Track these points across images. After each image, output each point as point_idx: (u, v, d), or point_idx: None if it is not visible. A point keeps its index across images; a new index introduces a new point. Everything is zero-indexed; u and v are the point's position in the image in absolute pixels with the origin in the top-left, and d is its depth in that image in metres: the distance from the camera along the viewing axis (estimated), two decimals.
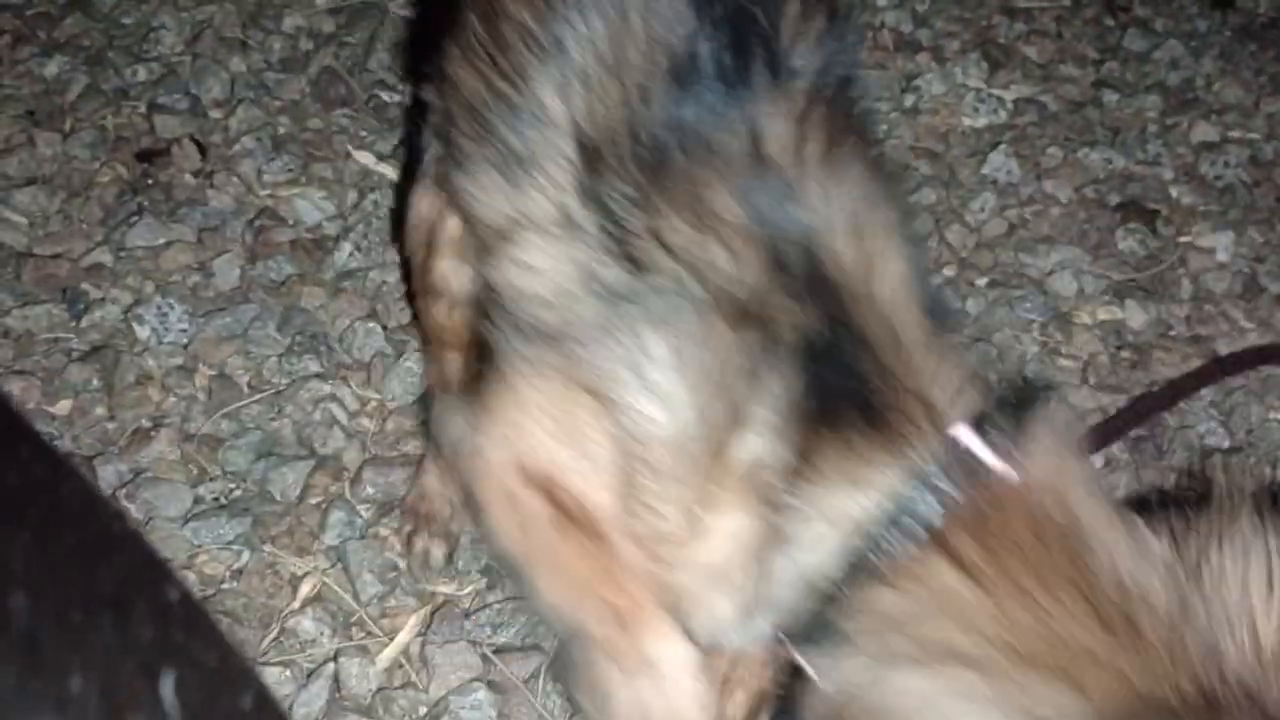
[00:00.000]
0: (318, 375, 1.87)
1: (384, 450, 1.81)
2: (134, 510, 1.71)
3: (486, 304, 1.28)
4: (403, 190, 1.85)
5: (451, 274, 1.49)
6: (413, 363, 1.86)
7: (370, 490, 1.75)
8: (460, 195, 1.30)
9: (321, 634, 1.59)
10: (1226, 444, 1.88)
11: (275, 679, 1.55)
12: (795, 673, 1.15)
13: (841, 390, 1.03)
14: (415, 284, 1.58)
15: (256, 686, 0.73)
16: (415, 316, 1.77)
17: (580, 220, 1.15)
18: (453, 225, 1.45)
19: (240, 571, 1.66)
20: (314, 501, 1.73)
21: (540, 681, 1.56)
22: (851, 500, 1.01)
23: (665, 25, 1.14)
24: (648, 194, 1.10)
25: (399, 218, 1.82)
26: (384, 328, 1.93)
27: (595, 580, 1.14)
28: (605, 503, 1.13)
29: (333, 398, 1.84)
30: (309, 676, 1.56)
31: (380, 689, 1.55)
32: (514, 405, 1.17)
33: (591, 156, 1.15)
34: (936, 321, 1.11)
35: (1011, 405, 1.07)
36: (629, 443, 1.09)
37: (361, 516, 1.72)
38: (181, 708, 0.53)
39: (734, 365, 1.05)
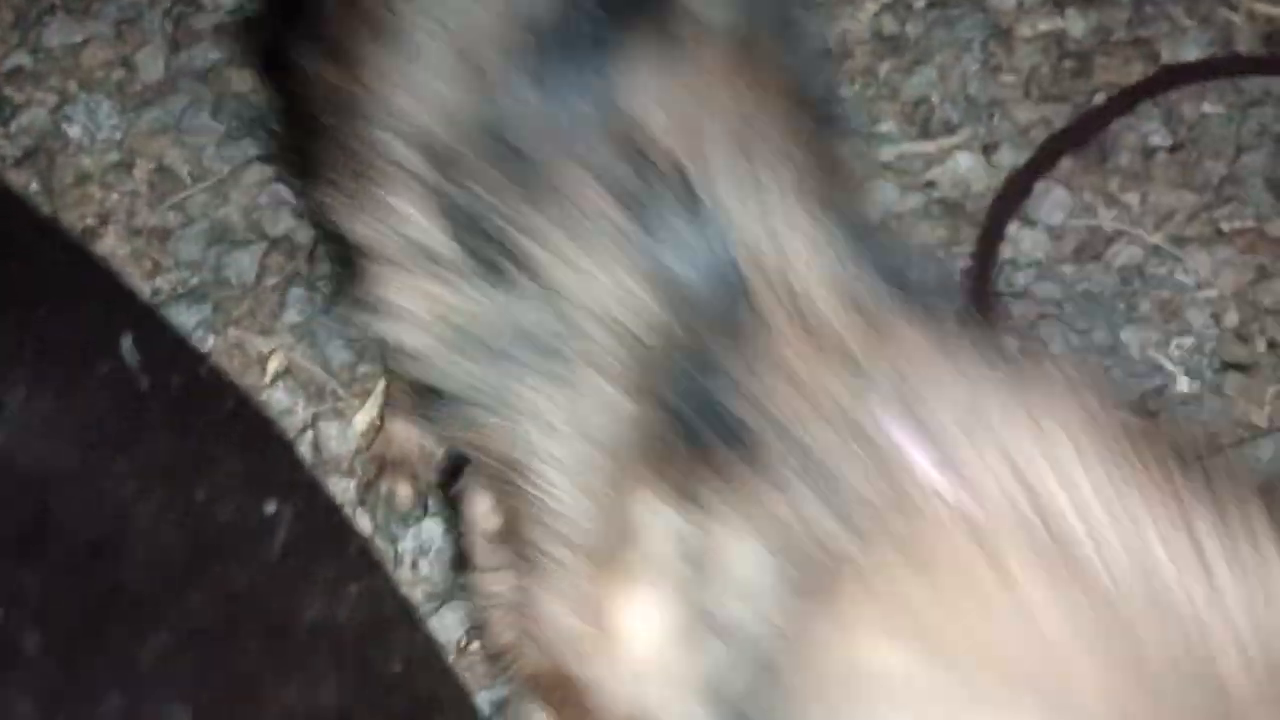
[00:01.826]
0: (259, 159, 1.85)
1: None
2: None
3: None
4: None
5: None
6: None
7: (328, 267, 1.76)
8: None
9: (296, 404, 1.62)
10: (1169, 143, 1.90)
11: None
12: None
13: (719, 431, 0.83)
14: None
15: (212, 367, 0.75)
16: None
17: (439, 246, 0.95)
18: None
19: (207, 355, 1.68)
20: (271, 282, 1.74)
21: None
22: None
23: None
24: (514, 206, 0.90)
25: None
26: None
27: None
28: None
29: (277, 179, 1.82)
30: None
31: (359, 450, 1.59)
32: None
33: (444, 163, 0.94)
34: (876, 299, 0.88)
35: None
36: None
37: (321, 292, 1.73)
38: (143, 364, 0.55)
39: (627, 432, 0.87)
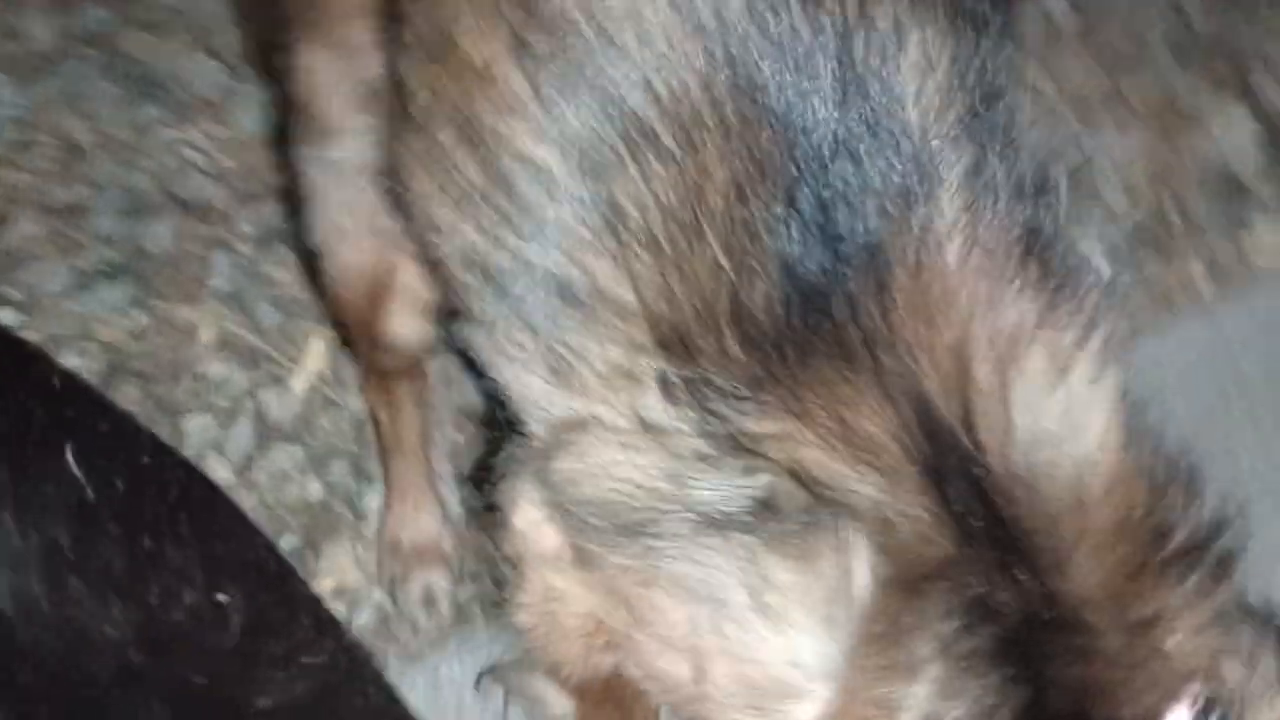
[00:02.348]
0: (161, 121, 1.81)
1: (251, 186, 1.78)
2: (16, 294, 1.69)
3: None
4: None
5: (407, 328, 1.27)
6: (255, 87, 1.81)
7: (247, 228, 1.74)
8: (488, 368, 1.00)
9: (233, 374, 1.63)
10: (1073, 18, 1.91)
11: (200, 427, 1.59)
12: None
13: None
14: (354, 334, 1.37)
15: (152, 441, 0.76)
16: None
17: (665, 424, 0.85)
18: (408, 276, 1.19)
19: (139, 332, 1.67)
20: (192, 249, 1.73)
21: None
22: None
23: (758, 159, 0.81)
24: (762, 392, 0.82)
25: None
26: (219, 59, 1.86)
27: None
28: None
29: (184, 142, 1.79)
30: (230, 417, 1.60)
31: (303, 414, 1.61)
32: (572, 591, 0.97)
33: (674, 343, 0.84)
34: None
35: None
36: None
37: (244, 255, 1.72)
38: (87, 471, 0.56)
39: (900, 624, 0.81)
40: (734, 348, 0.82)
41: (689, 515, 0.85)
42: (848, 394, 0.80)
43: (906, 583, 0.79)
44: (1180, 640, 0.78)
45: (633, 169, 0.83)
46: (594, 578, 0.95)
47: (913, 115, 0.81)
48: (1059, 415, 0.82)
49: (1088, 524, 0.78)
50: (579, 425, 0.90)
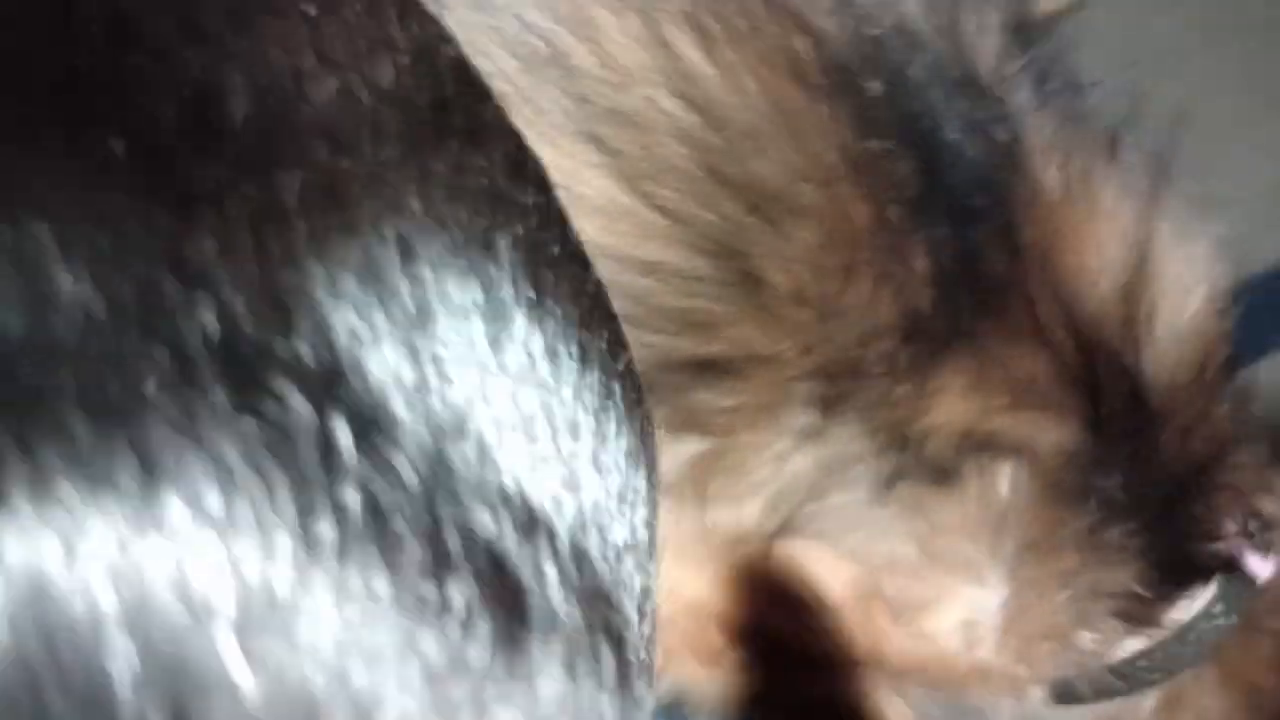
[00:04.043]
0: None
1: None
2: None
3: None
4: None
5: None
6: None
7: None
8: None
9: None
10: None
11: None
12: None
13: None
14: None
15: None
16: None
17: (822, 430, 0.85)
18: None
19: None
20: None
21: None
22: None
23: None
24: (920, 373, 0.82)
25: None
26: None
27: None
28: None
29: None
30: None
31: None
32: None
33: (832, 369, 0.83)
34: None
35: None
36: None
37: None
38: None
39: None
40: (902, 355, 0.80)
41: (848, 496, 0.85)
42: (1003, 346, 0.80)
43: (1054, 494, 0.82)
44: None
45: (772, 238, 0.79)
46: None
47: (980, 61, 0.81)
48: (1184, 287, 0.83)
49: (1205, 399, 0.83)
50: (717, 457, 0.86)
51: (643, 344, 0.78)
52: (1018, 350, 0.80)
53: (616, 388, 0.37)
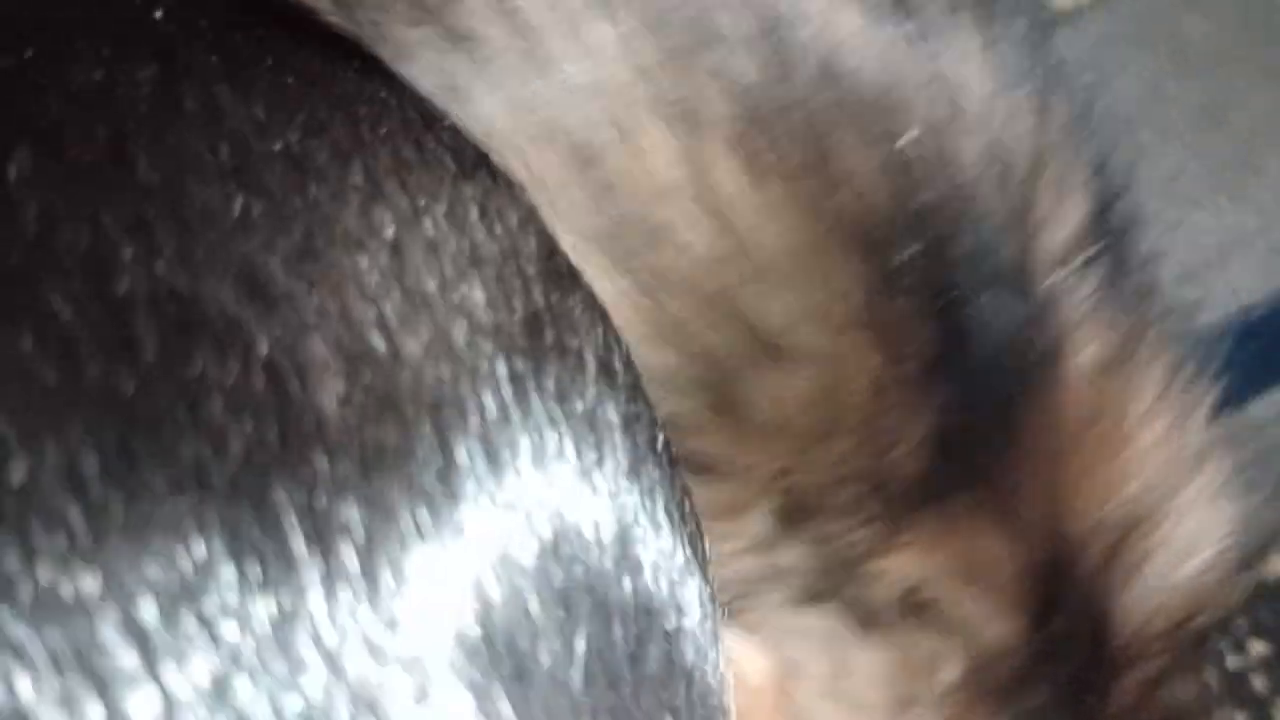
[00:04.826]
0: None
1: None
2: None
3: None
4: None
5: None
6: None
7: None
8: None
9: None
10: None
11: None
12: None
13: None
14: None
15: None
16: None
17: (775, 542, 0.82)
18: None
19: None
20: None
21: None
22: None
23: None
24: (889, 534, 0.80)
25: None
26: None
27: None
28: None
29: None
30: None
31: None
32: None
33: (802, 504, 0.81)
34: None
35: None
36: None
37: None
38: None
39: None
40: (875, 500, 0.78)
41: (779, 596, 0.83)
42: (978, 524, 0.78)
43: (974, 685, 0.80)
44: None
45: (767, 370, 0.75)
46: None
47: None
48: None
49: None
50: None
51: None
52: (991, 535, 0.77)
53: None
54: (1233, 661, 0.89)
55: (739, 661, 0.92)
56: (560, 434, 0.28)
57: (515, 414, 0.26)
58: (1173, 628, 0.79)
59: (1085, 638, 0.76)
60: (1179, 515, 0.78)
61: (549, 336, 0.29)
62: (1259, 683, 0.88)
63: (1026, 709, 0.78)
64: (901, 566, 0.76)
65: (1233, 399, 0.85)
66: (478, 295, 0.27)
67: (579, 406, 0.29)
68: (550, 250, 0.30)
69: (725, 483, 0.78)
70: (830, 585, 0.78)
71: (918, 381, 0.74)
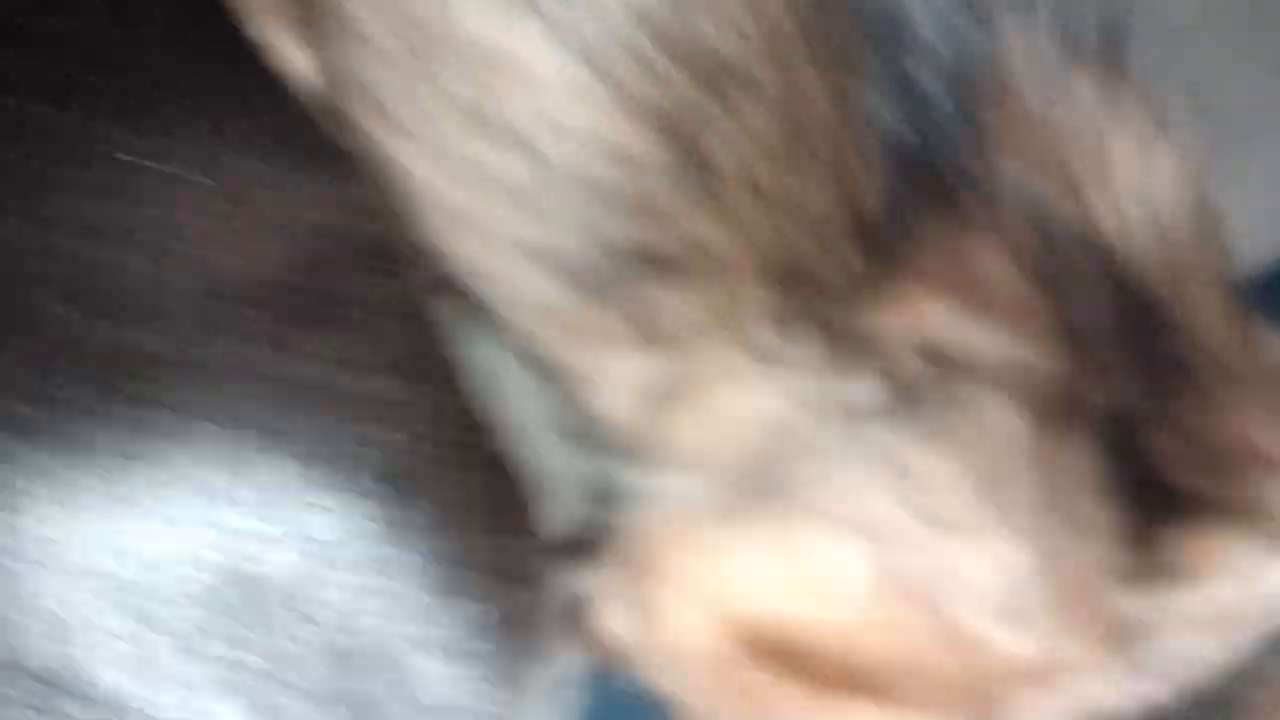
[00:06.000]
0: None
1: None
2: None
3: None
4: None
5: None
6: None
7: None
8: None
9: None
10: None
11: None
12: None
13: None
14: None
15: None
16: None
17: (783, 353, 0.80)
18: None
19: None
20: None
21: None
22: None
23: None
24: (883, 283, 0.78)
25: None
26: None
27: None
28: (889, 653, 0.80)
29: None
30: None
31: None
32: (710, 556, 0.83)
33: (786, 276, 0.80)
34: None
35: None
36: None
37: None
38: None
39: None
40: (855, 260, 0.77)
41: (826, 439, 0.79)
42: (963, 244, 0.76)
43: (1051, 431, 0.75)
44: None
45: (724, 118, 0.76)
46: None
47: None
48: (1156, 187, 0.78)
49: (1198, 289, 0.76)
50: (680, 382, 0.82)
51: (597, 230, 0.78)
52: (985, 252, 0.75)
53: None
54: None
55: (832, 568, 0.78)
56: None
57: None
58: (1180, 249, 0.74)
59: (1113, 300, 0.72)
60: (1126, 164, 0.75)
61: None
62: None
63: (1101, 414, 0.71)
64: (904, 315, 0.74)
65: None
66: None
67: None
68: None
69: (705, 281, 0.78)
70: (862, 398, 0.75)
71: (865, 106, 0.76)
